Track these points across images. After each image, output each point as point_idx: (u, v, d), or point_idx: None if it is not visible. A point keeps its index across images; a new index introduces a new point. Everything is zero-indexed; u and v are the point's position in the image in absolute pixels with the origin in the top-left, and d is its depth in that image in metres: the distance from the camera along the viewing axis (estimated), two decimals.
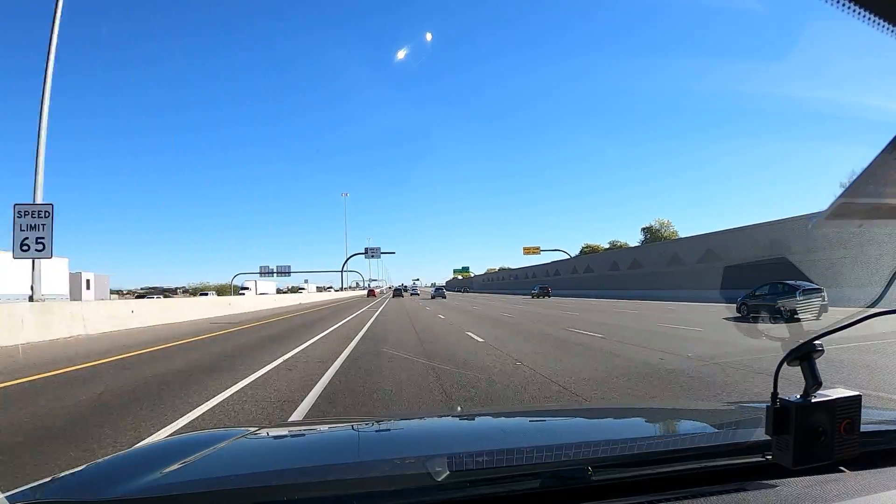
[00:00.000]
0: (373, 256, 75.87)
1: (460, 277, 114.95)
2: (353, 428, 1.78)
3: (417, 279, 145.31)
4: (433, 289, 59.24)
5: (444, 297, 47.31)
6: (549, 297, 45.21)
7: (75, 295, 39.22)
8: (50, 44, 13.58)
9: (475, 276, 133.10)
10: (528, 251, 72.29)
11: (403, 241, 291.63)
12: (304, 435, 1.71)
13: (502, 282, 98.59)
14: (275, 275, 76.03)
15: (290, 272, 76.81)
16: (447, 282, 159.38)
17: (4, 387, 6.05)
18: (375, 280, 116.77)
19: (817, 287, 14.82)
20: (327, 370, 6.90)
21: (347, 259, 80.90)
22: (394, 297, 56.31)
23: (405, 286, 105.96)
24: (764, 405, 0.89)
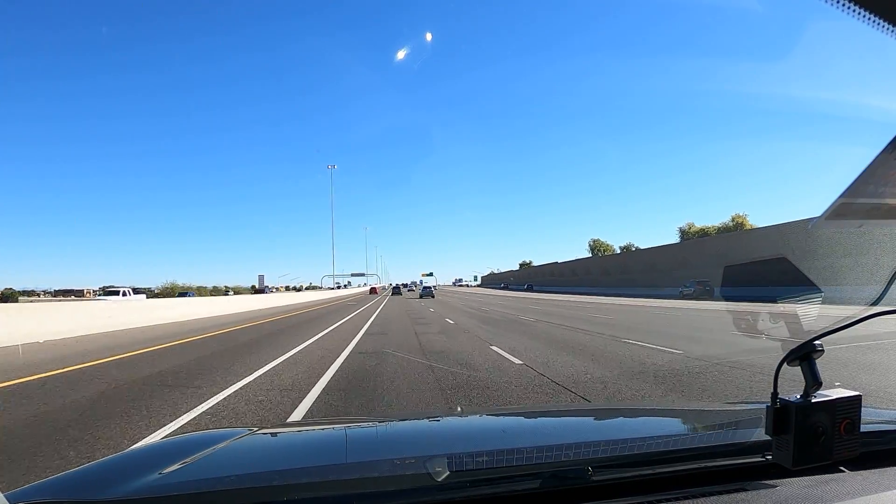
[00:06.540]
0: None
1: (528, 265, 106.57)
2: (352, 428, 1.78)
3: (430, 273, 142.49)
4: (421, 287, 59.99)
5: (433, 297, 47.45)
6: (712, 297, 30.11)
7: None
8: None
9: (494, 273, 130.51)
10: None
11: (405, 240, 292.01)
12: (303, 435, 1.71)
13: (529, 279, 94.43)
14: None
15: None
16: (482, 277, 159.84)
17: None
18: (362, 275, 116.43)
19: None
20: None
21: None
22: (392, 294, 63.16)
23: (405, 284, 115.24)
24: (764, 405, 0.89)
